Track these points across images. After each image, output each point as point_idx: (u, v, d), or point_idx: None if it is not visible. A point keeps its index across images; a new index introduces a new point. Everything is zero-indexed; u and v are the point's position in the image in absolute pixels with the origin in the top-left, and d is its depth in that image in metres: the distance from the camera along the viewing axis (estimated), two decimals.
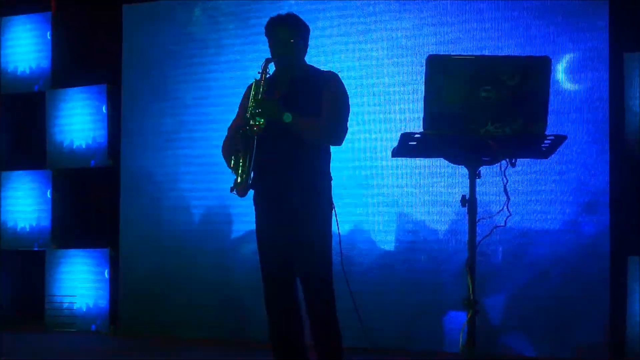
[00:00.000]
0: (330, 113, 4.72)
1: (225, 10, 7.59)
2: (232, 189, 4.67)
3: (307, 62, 4.92)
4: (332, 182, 4.84)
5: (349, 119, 4.84)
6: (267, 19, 4.86)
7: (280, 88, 4.81)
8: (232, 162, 4.69)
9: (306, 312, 4.83)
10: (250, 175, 4.65)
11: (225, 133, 4.91)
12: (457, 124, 3.95)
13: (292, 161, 4.73)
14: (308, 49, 4.89)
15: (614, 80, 6.24)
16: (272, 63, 4.82)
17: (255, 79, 4.77)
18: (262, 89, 4.71)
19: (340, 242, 4.77)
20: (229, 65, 7.48)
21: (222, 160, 4.80)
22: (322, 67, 4.99)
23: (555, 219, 6.35)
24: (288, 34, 4.76)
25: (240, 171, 4.64)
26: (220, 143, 4.89)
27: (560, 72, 6.20)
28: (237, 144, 4.69)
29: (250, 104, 4.70)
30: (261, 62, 4.76)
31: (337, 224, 4.77)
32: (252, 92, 4.73)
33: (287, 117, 4.62)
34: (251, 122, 4.63)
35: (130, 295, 7.95)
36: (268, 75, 4.78)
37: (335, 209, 4.79)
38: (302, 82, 4.81)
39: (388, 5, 6.93)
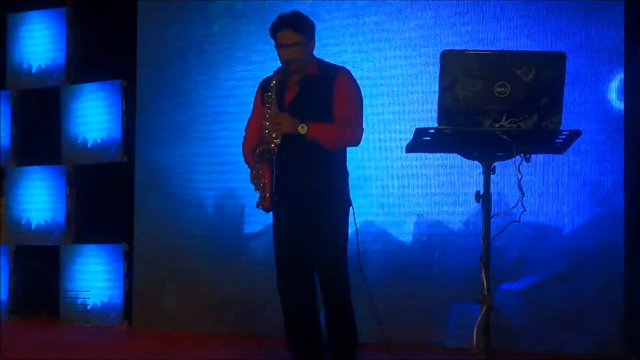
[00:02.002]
0: (345, 117, 4.70)
1: (240, 6, 7.59)
2: (258, 205, 4.73)
3: (317, 56, 4.90)
4: (348, 177, 4.85)
5: (363, 115, 4.84)
6: None
7: (291, 89, 4.79)
8: (255, 181, 4.72)
9: (323, 306, 4.84)
10: (273, 191, 4.69)
11: (242, 131, 4.93)
12: (471, 119, 3.94)
13: (310, 162, 4.72)
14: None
15: (629, 76, 6.22)
16: (280, 66, 4.79)
17: (263, 91, 4.77)
18: (273, 105, 4.69)
19: (357, 239, 4.77)
20: (244, 62, 7.47)
21: (237, 156, 4.85)
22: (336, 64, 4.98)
23: (569, 214, 6.34)
24: (294, 36, 4.71)
25: (263, 190, 4.68)
26: (235, 140, 4.93)
27: (575, 67, 6.17)
28: (256, 165, 4.71)
29: (263, 123, 4.69)
30: (271, 73, 4.75)
31: (355, 221, 4.77)
32: (266, 109, 4.71)
33: (302, 129, 4.63)
34: (267, 142, 4.64)
35: (144, 290, 7.97)
36: (279, 72, 4.76)
37: (353, 206, 4.81)
38: (313, 82, 4.77)
39: (402, 3, 6.92)
